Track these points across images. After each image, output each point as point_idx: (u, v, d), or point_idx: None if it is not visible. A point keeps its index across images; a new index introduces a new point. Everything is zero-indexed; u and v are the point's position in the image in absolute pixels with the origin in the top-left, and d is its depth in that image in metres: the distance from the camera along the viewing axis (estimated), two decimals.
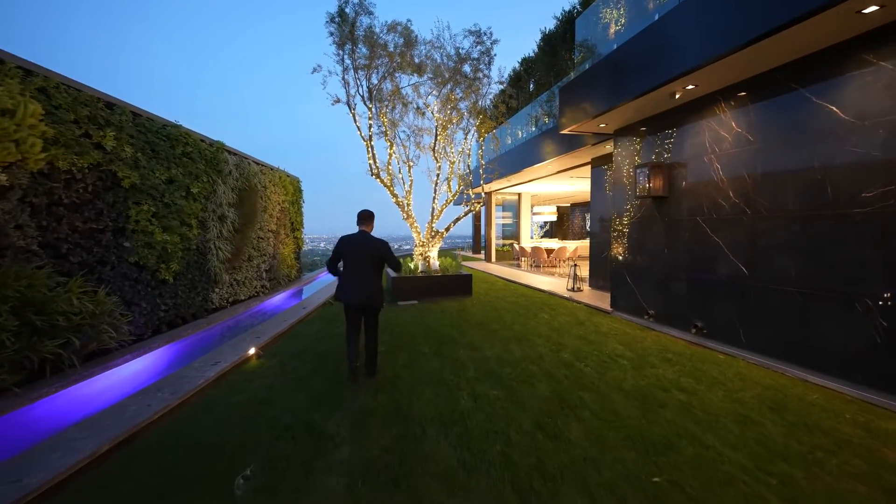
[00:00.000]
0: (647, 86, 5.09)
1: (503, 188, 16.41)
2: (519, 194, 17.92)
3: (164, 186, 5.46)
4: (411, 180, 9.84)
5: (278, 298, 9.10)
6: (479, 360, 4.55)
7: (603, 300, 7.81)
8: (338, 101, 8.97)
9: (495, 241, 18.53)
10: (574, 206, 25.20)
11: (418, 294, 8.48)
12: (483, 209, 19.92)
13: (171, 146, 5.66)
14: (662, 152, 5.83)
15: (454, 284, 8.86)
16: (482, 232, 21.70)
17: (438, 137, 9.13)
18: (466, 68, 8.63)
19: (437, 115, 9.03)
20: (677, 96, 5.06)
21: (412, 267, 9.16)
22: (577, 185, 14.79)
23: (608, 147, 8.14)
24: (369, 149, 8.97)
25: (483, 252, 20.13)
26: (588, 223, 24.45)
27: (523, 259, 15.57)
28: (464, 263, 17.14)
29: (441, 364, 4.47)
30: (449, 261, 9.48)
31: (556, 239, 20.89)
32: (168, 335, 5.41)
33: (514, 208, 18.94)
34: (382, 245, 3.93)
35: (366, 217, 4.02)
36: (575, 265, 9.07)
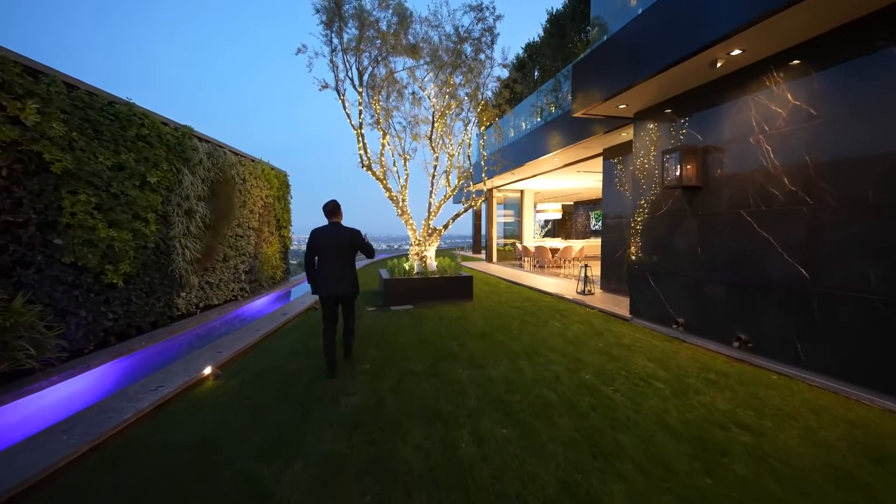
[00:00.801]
0: (680, 53, 4.27)
1: (505, 184, 15.60)
2: (521, 191, 17.09)
3: (111, 174, 4.63)
4: (407, 174, 9.03)
5: (260, 302, 8.28)
6: (482, 383, 3.73)
7: (618, 305, 7.00)
8: (326, 86, 8.13)
9: (496, 241, 17.73)
10: (578, 204, 24.41)
11: (414, 298, 7.67)
12: (484, 207, 19.14)
13: (122, 127, 4.83)
14: (694, 135, 5.01)
15: (453, 287, 8.05)
16: (483, 231, 20.90)
17: (436, 125, 8.30)
18: (467, 48, 7.81)
19: (433, 100, 8.20)
20: (719, 65, 4.24)
21: (407, 268, 8.35)
22: (584, 181, 13.98)
23: (624, 134, 7.33)
24: (360, 138, 8.14)
25: (484, 252, 19.33)
26: (593, 222, 23.66)
27: (526, 259, 14.76)
28: (464, 264, 16.32)
29: (436, 388, 3.65)
30: (448, 261, 8.66)
31: (560, 238, 20.08)
32: (115, 349, 4.59)
33: (517, 206, 18.13)
34: (355, 233, 4.03)
35: (334, 209, 4.07)
36: (586, 266, 8.26)
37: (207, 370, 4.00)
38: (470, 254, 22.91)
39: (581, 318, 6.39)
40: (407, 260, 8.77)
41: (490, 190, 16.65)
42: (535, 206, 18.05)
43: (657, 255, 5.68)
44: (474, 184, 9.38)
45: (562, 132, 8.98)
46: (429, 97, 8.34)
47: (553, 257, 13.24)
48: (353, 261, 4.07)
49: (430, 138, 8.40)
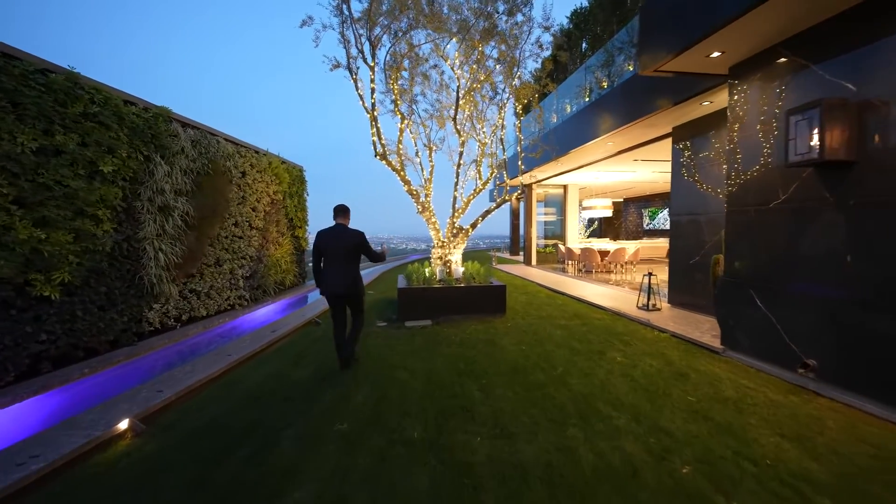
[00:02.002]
0: None
1: (546, 178, 13.91)
2: (564, 186, 15.32)
3: (38, 159, 3.67)
4: (432, 166, 7.75)
5: (262, 312, 7.30)
6: (509, 476, 2.33)
7: (697, 327, 5.30)
8: (337, 65, 7.01)
9: (536, 242, 16.05)
10: (628, 200, 22.13)
11: (433, 311, 6.34)
12: (522, 205, 17.52)
13: (59, 102, 3.87)
14: (842, 85, 3.31)
15: (482, 298, 6.64)
16: (521, 231, 19.24)
17: (461, 104, 6.93)
18: (500, 5, 6.38)
19: (458, 72, 6.84)
20: None
21: (427, 274, 7.04)
22: (640, 172, 12.07)
23: (706, 103, 5.60)
24: (373, 123, 6.95)
25: (522, 254, 17.69)
26: (646, 220, 21.31)
27: (570, 263, 13.02)
28: (499, 267, 14.81)
29: (434, 481, 2.29)
30: (476, 266, 7.27)
31: (608, 238, 18.02)
32: (44, 380, 3.63)
33: (559, 204, 16.35)
34: (359, 235, 4.07)
35: (342, 211, 4.16)
36: (650, 274, 6.56)
37: (124, 424, 2.89)
38: (507, 255, 21.29)
39: (650, 346, 4.77)
40: (428, 264, 7.47)
41: (529, 185, 15.02)
42: (580, 204, 16.18)
43: (769, 264, 3.99)
44: (510, 178, 7.92)
45: (617, 110, 7.31)
46: (452, 69, 6.99)
47: (602, 261, 11.46)
48: (356, 262, 4.14)
49: (455, 119, 7.03)
